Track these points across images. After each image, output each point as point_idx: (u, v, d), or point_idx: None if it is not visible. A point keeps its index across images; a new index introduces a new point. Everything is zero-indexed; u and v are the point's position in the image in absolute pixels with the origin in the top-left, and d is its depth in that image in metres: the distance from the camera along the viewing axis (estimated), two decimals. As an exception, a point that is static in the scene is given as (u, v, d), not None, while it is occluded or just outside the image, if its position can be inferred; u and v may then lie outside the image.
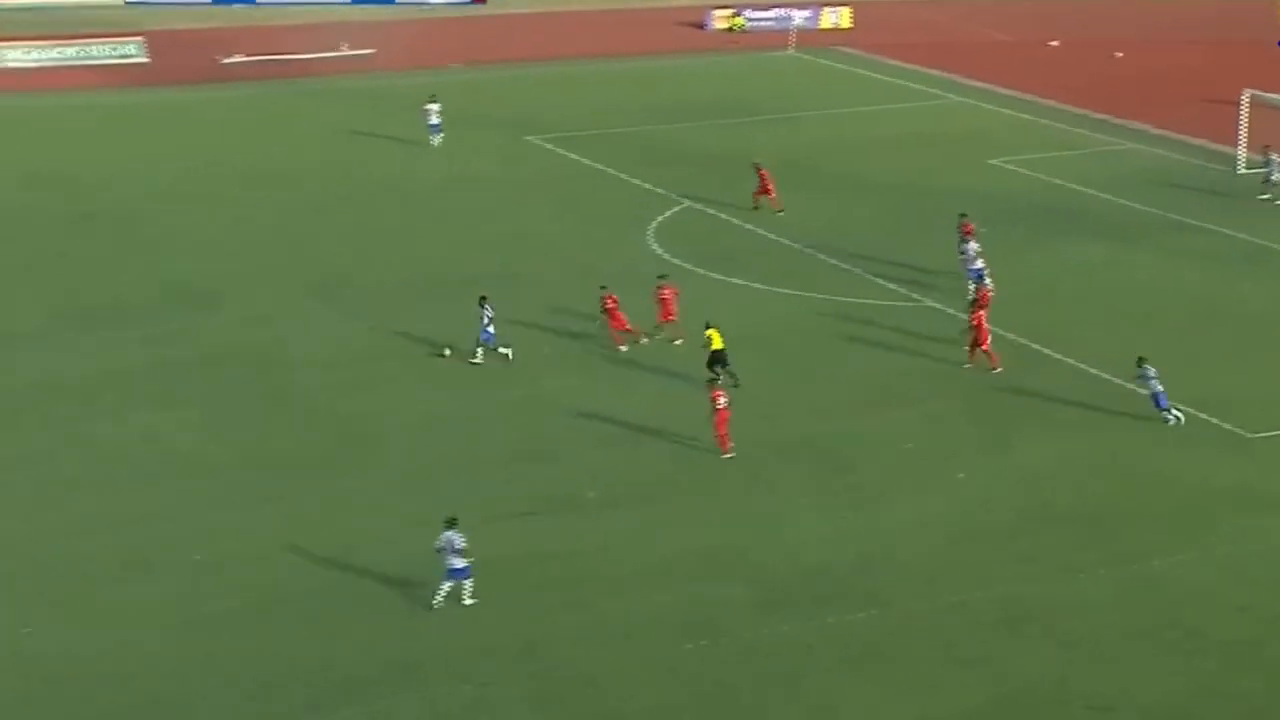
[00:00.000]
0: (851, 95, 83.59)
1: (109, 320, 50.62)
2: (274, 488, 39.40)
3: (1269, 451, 41.28)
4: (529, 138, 73.34)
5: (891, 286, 53.21)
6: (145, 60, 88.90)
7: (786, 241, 58.25)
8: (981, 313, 46.60)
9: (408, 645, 32.71)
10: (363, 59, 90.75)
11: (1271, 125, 66.15)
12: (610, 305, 47.77)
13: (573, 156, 70.22)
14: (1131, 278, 54.55)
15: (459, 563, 33.86)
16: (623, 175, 66.67)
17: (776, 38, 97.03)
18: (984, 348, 46.14)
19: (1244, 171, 66.59)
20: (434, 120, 71.29)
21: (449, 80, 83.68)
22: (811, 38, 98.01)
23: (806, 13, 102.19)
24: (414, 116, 72.60)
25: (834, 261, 55.35)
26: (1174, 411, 42.42)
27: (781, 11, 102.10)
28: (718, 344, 44.79)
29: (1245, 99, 67.47)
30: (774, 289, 53.16)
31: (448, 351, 47.21)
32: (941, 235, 56.25)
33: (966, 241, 52.74)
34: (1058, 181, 66.24)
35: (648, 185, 65.26)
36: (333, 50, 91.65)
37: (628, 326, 47.58)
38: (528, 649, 32.58)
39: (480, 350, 46.50)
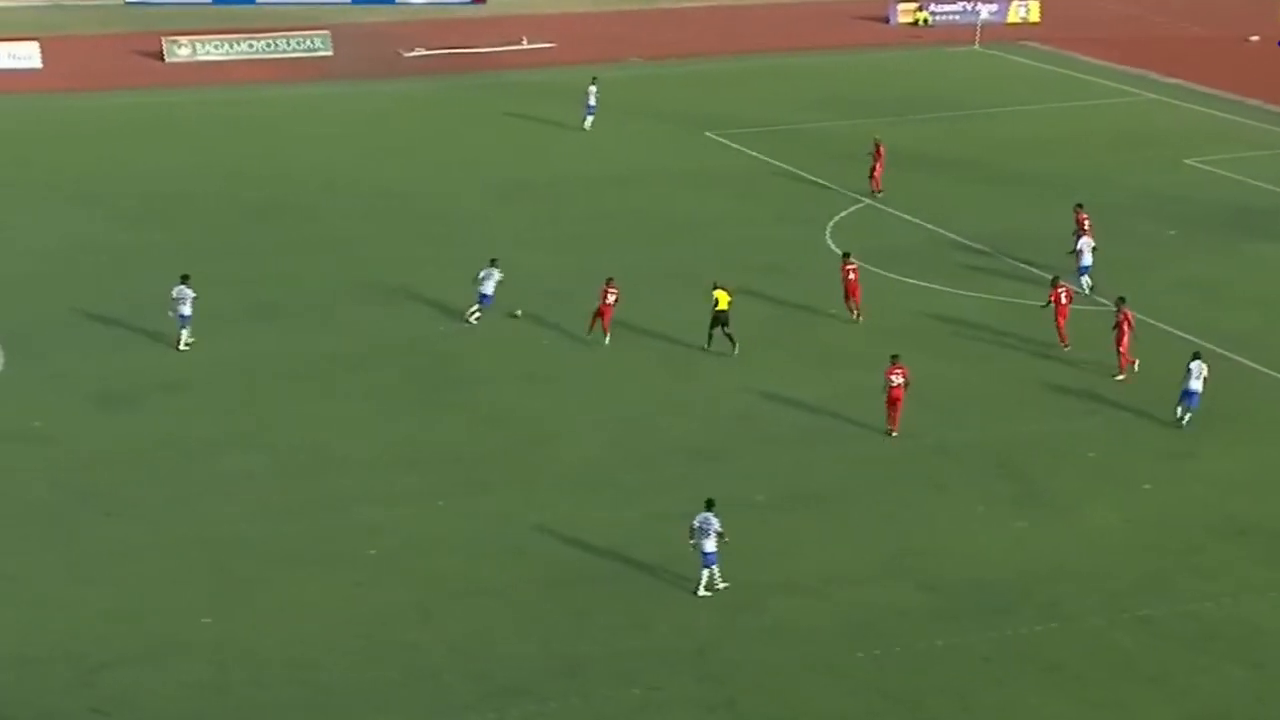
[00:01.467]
0: (1041, 92, 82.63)
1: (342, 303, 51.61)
2: (443, 481, 40.06)
3: None
4: (709, 133, 73.50)
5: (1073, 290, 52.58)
6: (329, 53, 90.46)
7: (966, 241, 57.83)
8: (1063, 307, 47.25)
9: (575, 644, 33.11)
10: (543, 52, 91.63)
11: None
12: (609, 299, 48.24)
13: (750, 153, 70.26)
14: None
15: (710, 546, 34.37)
16: (802, 172, 66.55)
17: (963, 32, 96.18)
18: (1123, 354, 45.74)
19: None
20: (591, 102, 73.08)
21: (629, 74, 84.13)
22: (999, 32, 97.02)
23: (994, 6, 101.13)
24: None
25: (1013, 263, 54.79)
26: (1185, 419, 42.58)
27: (967, 5, 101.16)
28: (724, 304, 46.96)
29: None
30: (952, 290, 52.89)
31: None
32: (1130, 238, 55.57)
33: (1080, 235, 52.53)
34: (1257, 183, 65.06)
35: (824, 182, 65.10)
36: (514, 44, 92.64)
37: (608, 319, 48.10)
38: (698, 652, 32.79)
39: (478, 310, 49.62)
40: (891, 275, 54.24)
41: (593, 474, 40.50)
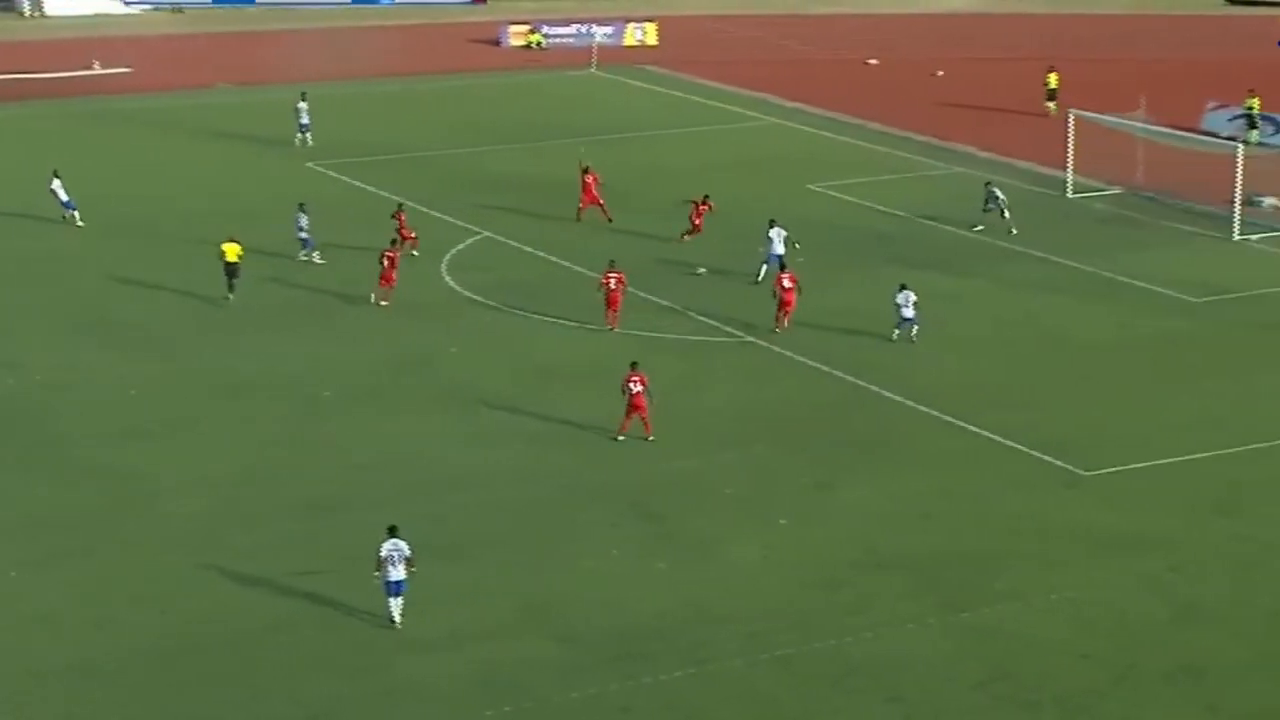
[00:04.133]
0: (660, 116, 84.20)
1: None
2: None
3: (1106, 489, 42.21)
4: (310, 164, 72.80)
5: (708, 321, 53.61)
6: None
7: (594, 275, 58.34)
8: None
9: None
10: (118, 78, 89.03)
11: (1098, 143, 67.96)
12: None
13: (355, 183, 69.89)
14: (961, 309, 55.56)
15: (400, 574, 34.68)
16: (418, 205, 66.36)
17: (579, 55, 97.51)
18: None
19: (1073, 196, 68.29)
20: (304, 120, 74.99)
21: (214, 102, 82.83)
22: (616, 54, 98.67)
23: (609, 29, 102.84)
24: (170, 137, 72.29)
25: (645, 295, 55.49)
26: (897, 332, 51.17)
27: (582, 27, 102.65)
28: (231, 256, 54.51)
29: (1071, 119, 69.23)
30: (580, 325, 53.28)
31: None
32: (756, 264, 57.18)
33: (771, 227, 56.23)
34: (879, 208, 67.34)
35: (442, 215, 65.13)
36: (85, 68, 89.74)
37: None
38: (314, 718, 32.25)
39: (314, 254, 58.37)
40: (513, 311, 54.61)
41: (198, 535, 39.49)
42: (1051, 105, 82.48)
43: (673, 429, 45.38)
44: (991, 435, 45.04)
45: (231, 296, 54.72)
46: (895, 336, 51.42)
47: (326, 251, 59.15)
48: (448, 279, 57.77)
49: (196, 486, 42.05)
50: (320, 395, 47.90)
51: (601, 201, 64.04)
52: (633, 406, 44.12)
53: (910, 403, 47.33)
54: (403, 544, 35.06)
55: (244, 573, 37.51)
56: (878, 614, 36.16)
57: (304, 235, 58.67)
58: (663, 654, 34.54)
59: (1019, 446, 44.22)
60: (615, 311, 52.10)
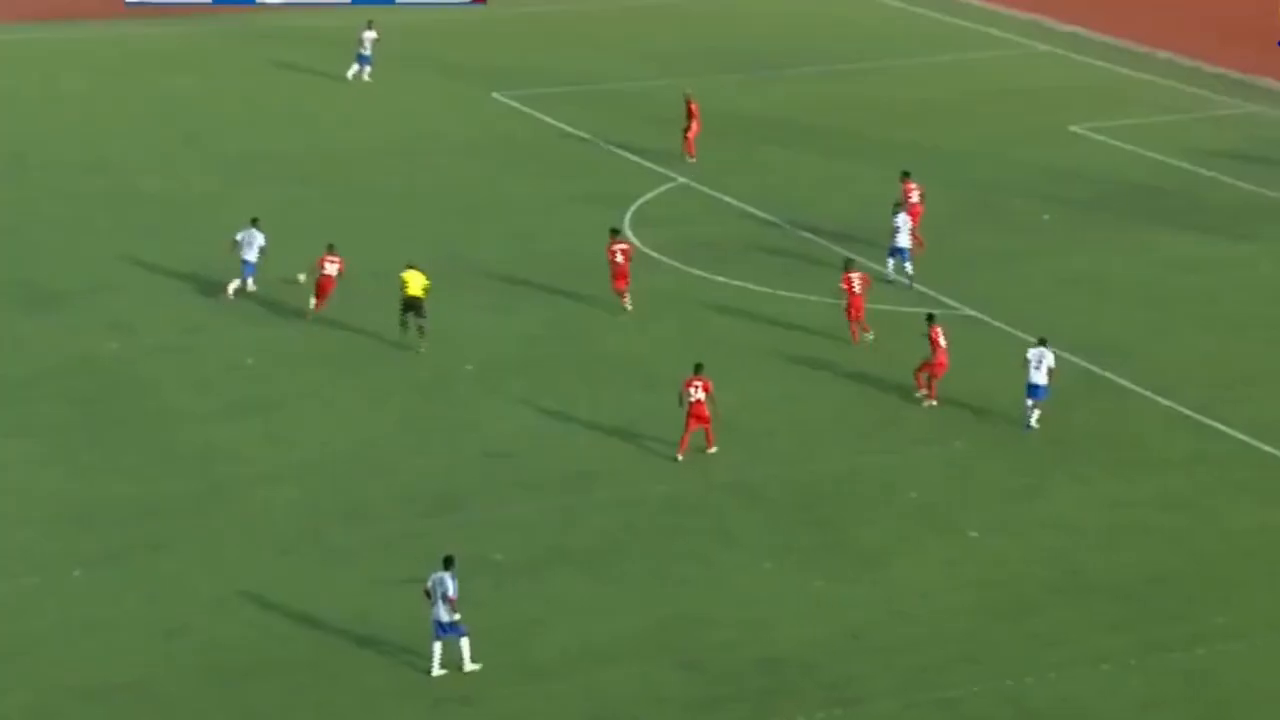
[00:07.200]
0: (913, 42, 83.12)
1: None
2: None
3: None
4: (497, 94, 73.16)
5: (924, 290, 52.59)
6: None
7: (796, 230, 57.70)
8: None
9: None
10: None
11: None
12: None
13: (546, 119, 69.99)
14: (1233, 280, 54.02)
15: (444, 616, 33.97)
16: (607, 144, 66.17)
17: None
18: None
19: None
20: (366, 50, 74.38)
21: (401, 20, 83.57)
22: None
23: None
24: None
25: (849, 255, 54.59)
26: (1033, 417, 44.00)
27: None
28: (414, 289, 48.02)
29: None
30: (769, 289, 52.77)
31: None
32: (995, 224, 56.19)
33: (899, 210, 53.31)
34: (1156, 156, 65.73)
35: (632, 156, 65.03)
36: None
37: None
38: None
39: (239, 284, 51.35)
40: (696, 271, 54.16)
41: (295, 530, 39.75)
42: None
43: (860, 416, 44.59)
44: (1240, 435, 43.86)
45: (417, 341, 48.51)
46: (1026, 416, 43.95)
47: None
48: (630, 234, 57.43)
49: (300, 472, 42.29)
50: (461, 369, 47.83)
51: (691, 136, 64.12)
52: (693, 417, 42.45)
53: (1148, 393, 46.09)
54: (449, 579, 34.14)
55: (337, 577, 37.63)
56: (1069, 650, 35.24)
57: (249, 258, 51.59)
58: (807, 689, 34.00)
59: (1269, 449, 42.90)
60: (856, 321, 49.17)
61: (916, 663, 34.78)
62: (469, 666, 34.26)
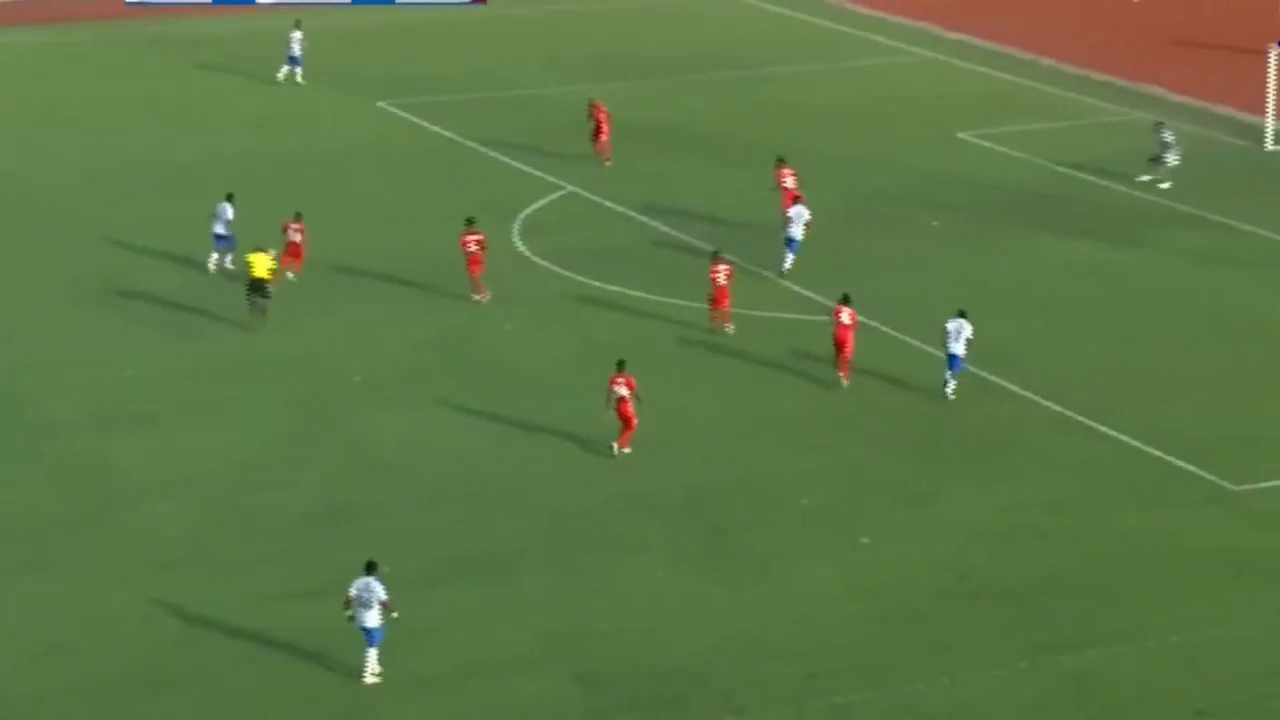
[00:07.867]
0: (791, 49, 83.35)
1: None
2: None
3: (1256, 506, 41.03)
4: (381, 104, 72.81)
5: (811, 295, 52.66)
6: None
7: (688, 239, 57.63)
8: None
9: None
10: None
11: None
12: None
13: (433, 128, 69.71)
14: (1121, 285, 54.30)
15: (373, 620, 33.74)
16: (495, 153, 65.99)
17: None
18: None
19: (1272, 148, 66.28)
20: (295, 51, 75.14)
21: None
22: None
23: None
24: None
25: (744, 265, 54.57)
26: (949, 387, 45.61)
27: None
28: (259, 271, 49.69)
29: (1274, 54, 66.83)
30: (658, 297, 52.63)
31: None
32: (883, 229, 56.53)
33: (797, 203, 54.25)
34: (1044, 162, 66.15)
35: (522, 166, 64.91)
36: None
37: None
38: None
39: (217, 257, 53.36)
40: (584, 279, 54.16)
41: (177, 545, 39.29)
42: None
43: (754, 425, 44.59)
44: (1128, 439, 44.01)
45: (255, 319, 50.17)
46: (947, 392, 45.67)
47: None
48: (518, 243, 57.26)
49: (186, 486, 41.91)
50: (350, 380, 47.56)
51: (603, 139, 64.83)
52: (620, 415, 43.03)
53: (1037, 398, 46.27)
54: (376, 584, 33.99)
55: (225, 592, 37.21)
56: (962, 654, 35.26)
57: (222, 232, 53.61)
58: (699, 698, 33.91)
59: (1157, 453, 43.16)
60: (719, 309, 50.19)
61: (810, 669, 34.71)
62: (371, 679, 33.97)
